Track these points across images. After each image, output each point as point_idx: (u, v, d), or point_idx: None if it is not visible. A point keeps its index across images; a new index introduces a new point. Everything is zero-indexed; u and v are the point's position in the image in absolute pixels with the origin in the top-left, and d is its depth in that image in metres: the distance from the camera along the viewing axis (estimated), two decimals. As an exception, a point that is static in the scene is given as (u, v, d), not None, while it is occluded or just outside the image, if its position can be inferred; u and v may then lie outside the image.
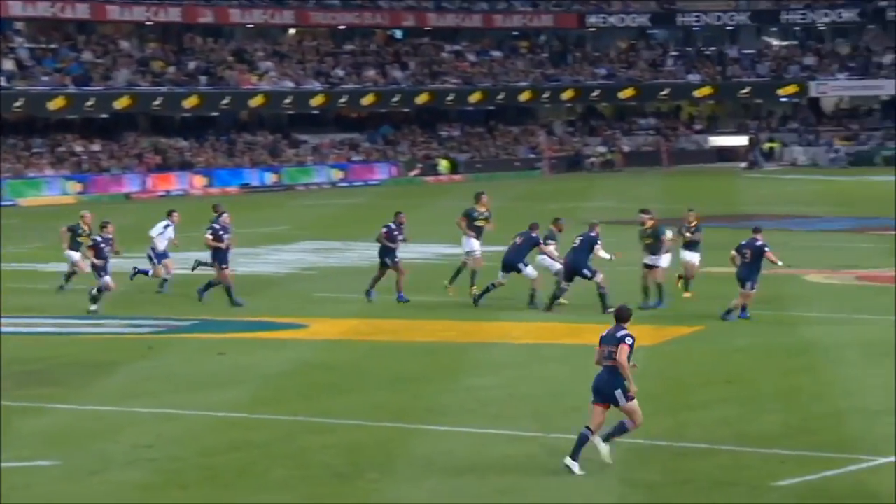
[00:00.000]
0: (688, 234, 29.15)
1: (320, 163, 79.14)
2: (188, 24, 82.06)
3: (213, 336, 26.49)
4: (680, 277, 29.46)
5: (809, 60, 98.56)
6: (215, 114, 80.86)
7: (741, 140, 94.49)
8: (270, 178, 75.80)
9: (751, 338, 25.18)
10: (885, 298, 28.48)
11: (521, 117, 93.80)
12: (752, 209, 54.58)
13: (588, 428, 16.19)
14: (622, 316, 16.68)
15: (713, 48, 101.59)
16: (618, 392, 16.24)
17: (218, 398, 20.79)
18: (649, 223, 28.53)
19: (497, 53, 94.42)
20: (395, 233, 29.94)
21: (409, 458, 17.21)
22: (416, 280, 33.55)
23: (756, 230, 26.96)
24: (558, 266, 28.39)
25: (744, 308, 26.48)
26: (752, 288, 26.28)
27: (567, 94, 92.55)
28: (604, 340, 16.46)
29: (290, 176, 76.52)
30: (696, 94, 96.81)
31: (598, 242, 27.84)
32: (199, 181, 73.05)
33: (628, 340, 16.24)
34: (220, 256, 29.94)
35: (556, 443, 17.61)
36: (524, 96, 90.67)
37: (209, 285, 30.05)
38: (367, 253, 41.12)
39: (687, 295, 29.17)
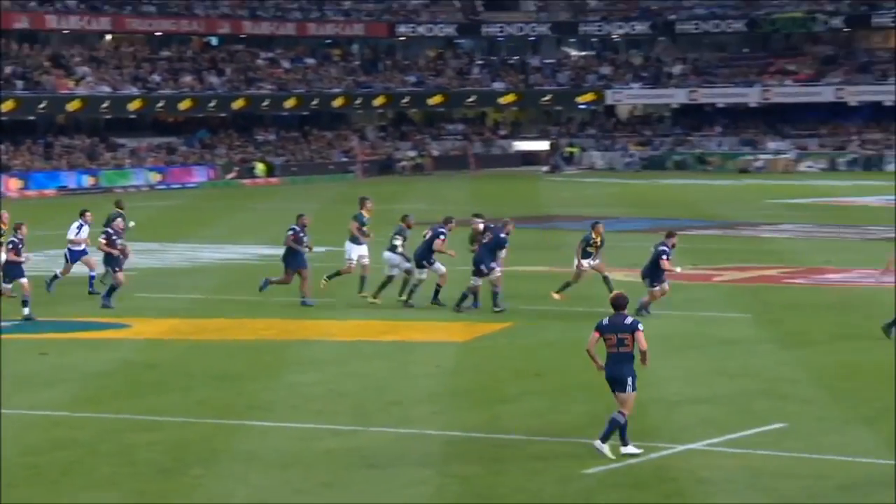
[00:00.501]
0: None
1: (138, 166, 77.97)
2: (4, 30, 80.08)
3: (35, 336, 25.82)
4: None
5: (605, 70, 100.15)
6: (32, 118, 79.13)
7: (543, 145, 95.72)
8: (88, 180, 74.41)
9: (557, 333, 25.46)
10: (680, 294, 29.01)
11: (334, 122, 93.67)
12: (555, 211, 55.33)
13: (621, 413, 16.26)
14: (621, 304, 16.63)
15: (516, 58, 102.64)
16: (629, 379, 16.33)
17: (41, 397, 20.31)
18: (481, 226, 28.55)
19: (311, 61, 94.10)
20: (301, 235, 28.96)
21: (234, 453, 17.02)
22: (237, 280, 33.35)
23: (669, 234, 27.22)
24: (407, 265, 28.43)
25: (646, 305, 26.72)
26: (652, 286, 26.52)
27: (379, 101, 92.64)
28: (608, 329, 16.44)
29: (108, 179, 75.21)
30: (501, 101, 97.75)
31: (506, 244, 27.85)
32: (14, 184, 71.34)
33: (641, 326, 16.39)
34: (113, 261, 29.30)
35: (378, 437, 17.61)
36: (337, 102, 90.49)
37: (111, 289, 29.22)
38: (186, 254, 40.85)
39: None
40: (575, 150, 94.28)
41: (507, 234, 28.09)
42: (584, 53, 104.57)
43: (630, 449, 16.39)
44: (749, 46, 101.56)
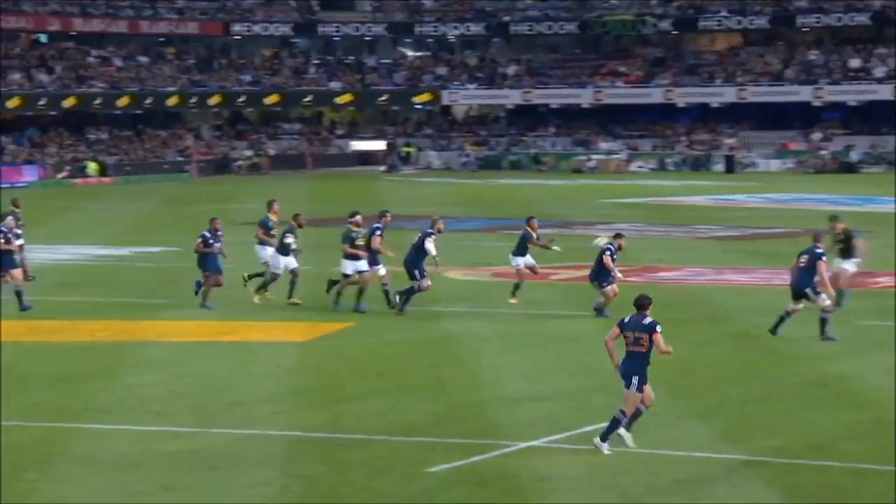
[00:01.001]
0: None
1: (-34, 165, 76.22)
2: None
3: None
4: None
5: (441, 71, 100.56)
6: None
7: (380, 145, 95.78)
8: (-86, 180, 72.52)
9: (399, 332, 25.47)
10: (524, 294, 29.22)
11: (168, 121, 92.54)
12: (394, 210, 55.25)
13: (639, 407, 16.51)
14: (644, 304, 16.80)
15: (352, 57, 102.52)
16: (636, 378, 16.51)
17: None
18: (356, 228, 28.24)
19: (144, 59, 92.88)
20: (211, 240, 28.17)
21: (71, 456, 16.69)
22: (70, 281, 32.74)
23: (618, 235, 27.31)
24: (296, 265, 28.15)
25: (602, 307, 26.66)
26: (601, 287, 26.48)
27: (214, 100, 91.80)
28: (628, 327, 16.68)
29: (-65, 178, 73.37)
30: (338, 100, 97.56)
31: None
32: None
33: (659, 329, 16.55)
34: (5, 260, 28.52)
35: (219, 438, 17.43)
36: (172, 101, 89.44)
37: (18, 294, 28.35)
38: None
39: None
40: (412, 149, 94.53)
41: (439, 231, 27.97)
42: (420, 54, 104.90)
43: (604, 445, 16.45)
44: (581, 48, 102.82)
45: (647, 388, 16.70)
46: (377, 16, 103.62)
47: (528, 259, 28.96)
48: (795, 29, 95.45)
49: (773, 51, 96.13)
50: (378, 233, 27.62)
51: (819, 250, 24.14)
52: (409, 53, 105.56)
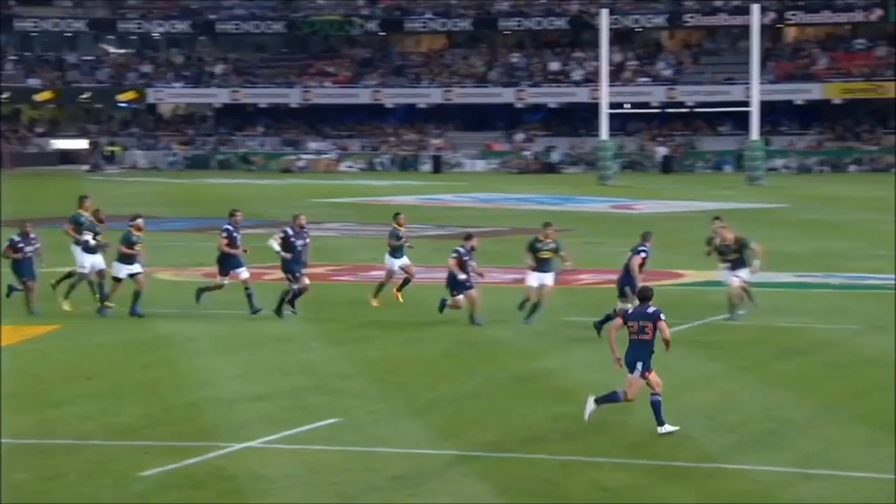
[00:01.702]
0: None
1: None
2: None
3: None
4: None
5: (146, 68, 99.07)
6: None
7: (83, 143, 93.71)
8: None
9: (109, 335, 24.96)
10: (228, 294, 28.95)
11: None
12: (105, 210, 54.08)
13: (623, 393, 17.50)
14: (647, 295, 17.66)
15: (52, 53, 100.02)
16: (639, 364, 17.35)
17: None
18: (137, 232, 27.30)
19: None
20: (21, 244, 27.35)
21: None
22: None
23: (468, 237, 26.32)
24: (102, 265, 27.20)
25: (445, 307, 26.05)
26: (453, 294, 25.78)
27: None
28: (632, 318, 17.52)
29: None
30: (37, 97, 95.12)
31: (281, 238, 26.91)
32: None
33: (663, 317, 17.42)
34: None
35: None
36: None
37: None
38: None
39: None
40: (117, 148, 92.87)
41: (302, 228, 27.34)
42: (123, 51, 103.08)
43: (668, 428, 17.24)
44: (289, 48, 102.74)
45: (654, 374, 17.47)
46: (77, 11, 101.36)
47: (405, 260, 28.56)
48: (498, 32, 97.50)
49: (477, 53, 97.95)
50: (230, 234, 27.23)
51: (641, 247, 24.50)
52: (112, 50, 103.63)
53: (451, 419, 18.58)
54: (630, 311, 18.05)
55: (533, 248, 25.69)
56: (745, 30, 77.58)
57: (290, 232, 26.96)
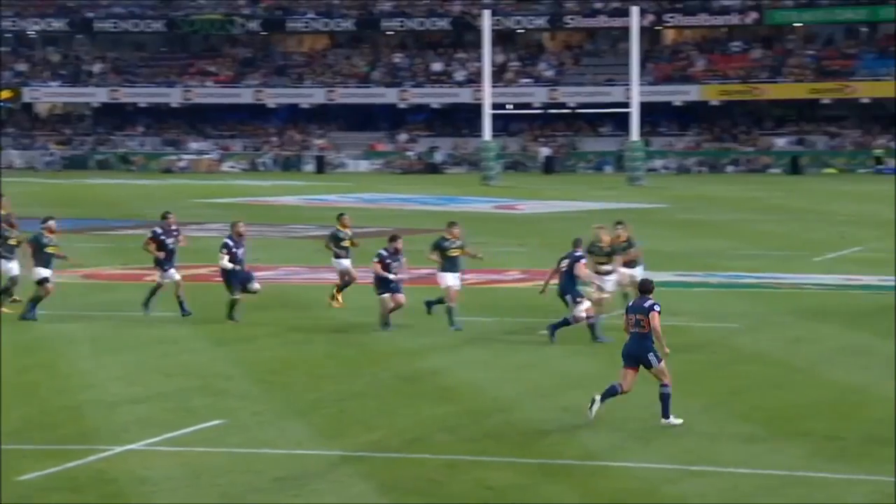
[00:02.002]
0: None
1: None
2: None
3: None
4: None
5: (22, 67, 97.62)
6: None
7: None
8: None
9: (-14, 337, 24.55)
10: (108, 295, 28.73)
11: None
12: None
13: (619, 385, 17.71)
14: (648, 288, 17.90)
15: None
16: (650, 355, 17.67)
17: None
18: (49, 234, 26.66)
19: None
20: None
21: None
22: None
23: (393, 238, 25.67)
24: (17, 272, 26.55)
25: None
26: (381, 294, 25.14)
27: None
28: (631, 310, 17.86)
29: None
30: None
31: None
32: None
33: (657, 308, 17.65)
34: None
35: None
36: None
37: None
38: None
39: None
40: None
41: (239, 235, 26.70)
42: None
43: (672, 420, 17.61)
44: (169, 47, 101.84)
45: (663, 365, 17.80)
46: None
47: (349, 262, 28.02)
48: (380, 32, 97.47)
49: (360, 53, 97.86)
50: (157, 237, 26.85)
51: (578, 253, 24.14)
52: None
53: (335, 419, 18.54)
54: (630, 303, 18.32)
55: (440, 248, 25.55)
56: (624, 32, 78.35)
57: (159, 231, 26.90)
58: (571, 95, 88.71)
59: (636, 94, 72.32)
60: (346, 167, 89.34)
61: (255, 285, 26.34)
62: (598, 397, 17.92)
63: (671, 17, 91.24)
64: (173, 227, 27.15)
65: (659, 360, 17.96)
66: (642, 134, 75.00)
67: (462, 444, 17.17)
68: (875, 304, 28.76)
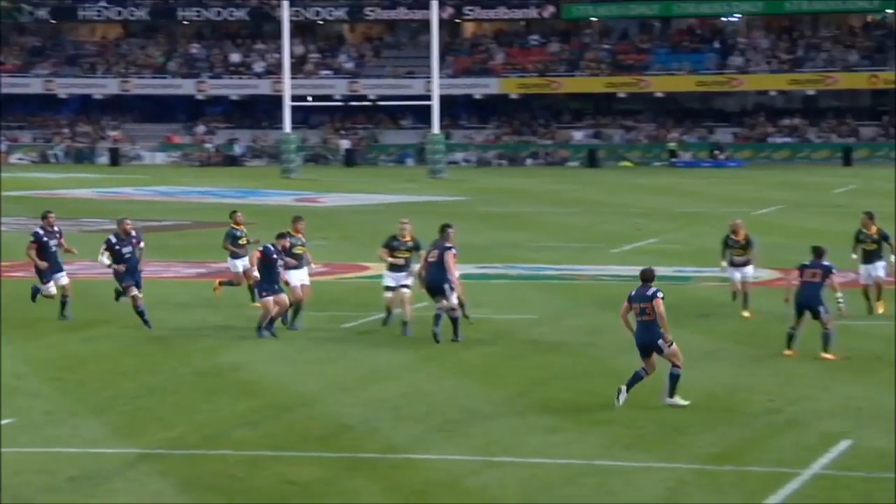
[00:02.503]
0: None
1: None
2: None
3: None
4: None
5: None
6: None
7: None
8: None
9: None
10: None
11: None
12: None
13: (643, 370, 18.33)
14: (649, 276, 18.60)
15: None
16: (660, 341, 18.30)
17: None
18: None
19: None
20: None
21: None
22: None
23: (280, 236, 24.24)
24: None
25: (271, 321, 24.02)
26: (261, 296, 23.93)
27: None
28: (634, 300, 18.46)
29: None
30: None
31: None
32: None
33: (660, 295, 18.39)
34: None
35: None
36: None
37: None
38: None
39: None
40: None
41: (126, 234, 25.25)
42: None
43: (677, 400, 18.28)
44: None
45: (675, 347, 18.38)
46: None
47: (247, 261, 26.31)
48: (177, 22, 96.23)
49: (155, 43, 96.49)
50: (39, 239, 25.61)
51: (447, 245, 23.37)
52: None
53: (132, 417, 18.27)
54: (633, 293, 18.65)
55: (287, 245, 24.38)
56: (424, 24, 78.67)
57: (41, 232, 25.65)
58: (372, 88, 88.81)
59: (436, 86, 72.70)
60: (143, 159, 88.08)
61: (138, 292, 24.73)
62: (623, 388, 18.35)
63: (471, 10, 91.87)
64: (55, 228, 25.79)
65: (669, 345, 18.44)
66: (443, 127, 75.42)
67: (263, 440, 17.08)
68: (670, 295, 29.39)
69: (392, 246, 24.43)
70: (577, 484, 15.13)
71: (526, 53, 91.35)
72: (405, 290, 24.11)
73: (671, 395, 18.56)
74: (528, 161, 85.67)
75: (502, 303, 28.48)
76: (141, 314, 24.42)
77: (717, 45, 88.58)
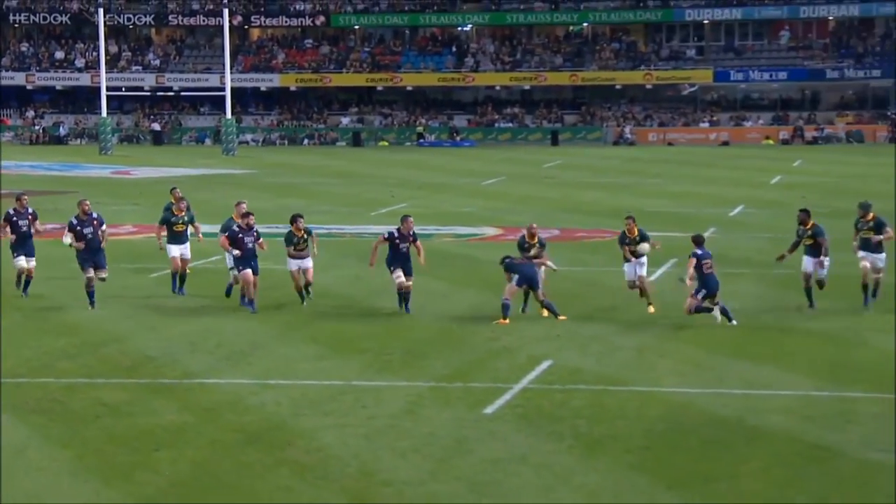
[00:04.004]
0: None
1: None
2: None
3: None
4: None
5: None
6: None
7: None
8: None
9: None
10: None
11: None
12: None
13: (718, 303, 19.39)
14: (701, 240, 19.64)
15: None
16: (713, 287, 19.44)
17: None
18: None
19: None
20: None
21: None
22: None
23: (247, 214, 21.70)
24: None
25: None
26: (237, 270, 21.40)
27: None
28: (703, 258, 19.26)
29: None
30: None
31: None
32: None
33: (703, 257, 19.36)
34: None
35: None
36: None
37: None
38: None
39: None
40: None
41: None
42: None
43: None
44: None
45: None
46: None
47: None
48: (9, 24, 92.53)
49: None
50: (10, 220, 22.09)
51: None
52: None
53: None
54: (700, 252, 19.30)
55: (167, 222, 22.72)
56: (218, 29, 77.19)
57: (11, 212, 22.10)
58: (175, 81, 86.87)
59: (228, 80, 71.80)
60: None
61: (102, 274, 21.24)
62: (717, 312, 19.31)
63: (257, 18, 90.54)
64: (28, 209, 22.21)
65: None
66: (234, 113, 74.33)
67: (80, 370, 16.71)
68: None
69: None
70: (337, 401, 15.19)
71: (302, 54, 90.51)
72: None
73: (729, 317, 19.45)
74: (305, 141, 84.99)
75: (281, 257, 28.24)
76: (90, 295, 20.91)
77: (454, 49, 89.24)
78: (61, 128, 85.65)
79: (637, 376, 16.33)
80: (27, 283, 22.29)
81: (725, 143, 76.19)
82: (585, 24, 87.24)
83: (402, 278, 20.64)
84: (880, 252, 20.91)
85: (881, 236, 20.82)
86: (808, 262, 20.90)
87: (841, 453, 12.79)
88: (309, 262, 21.38)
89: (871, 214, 20.96)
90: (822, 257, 20.71)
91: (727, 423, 13.99)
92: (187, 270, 23.03)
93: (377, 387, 15.85)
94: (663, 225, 32.28)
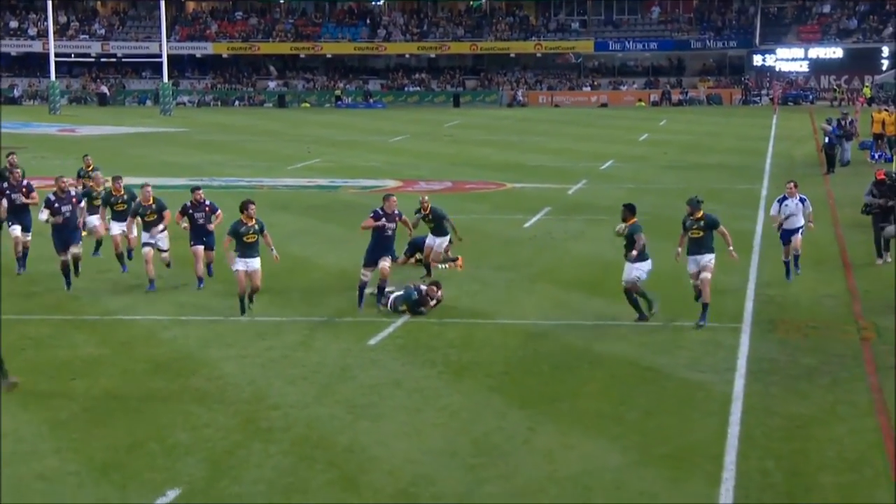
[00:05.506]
0: None
1: None
2: None
3: None
4: None
5: None
6: None
7: None
8: None
9: None
10: None
11: None
12: None
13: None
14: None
15: None
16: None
17: None
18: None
19: None
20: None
21: None
22: None
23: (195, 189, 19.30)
24: None
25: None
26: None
27: None
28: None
29: None
30: None
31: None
32: None
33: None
34: None
35: None
36: None
37: None
38: None
39: None
40: None
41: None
42: None
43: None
44: None
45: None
46: None
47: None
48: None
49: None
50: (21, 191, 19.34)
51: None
52: None
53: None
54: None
55: (108, 203, 19.74)
56: (157, 1, 75.56)
57: (4, 185, 19.41)
58: (119, 48, 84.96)
59: (165, 48, 70.45)
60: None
61: (75, 249, 18.05)
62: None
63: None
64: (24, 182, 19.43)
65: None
66: (171, 78, 72.96)
67: (10, 307, 16.35)
68: (323, 199, 29.47)
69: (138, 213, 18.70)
70: (241, 334, 15.09)
71: (233, 25, 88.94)
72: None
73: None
74: (236, 103, 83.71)
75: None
76: (66, 276, 17.86)
77: (368, 21, 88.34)
78: (15, 90, 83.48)
79: (504, 310, 16.44)
80: (24, 255, 19.42)
81: (604, 105, 76.64)
82: (484, 0, 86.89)
83: (385, 264, 16.58)
84: (709, 253, 15.70)
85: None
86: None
87: (668, 375, 13.04)
88: (257, 263, 16.30)
89: (700, 212, 15.78)
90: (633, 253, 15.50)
91: (576, 350, 14.17)
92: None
93: (278, 322, 15.76)
94: (543, 177, 32.43)
